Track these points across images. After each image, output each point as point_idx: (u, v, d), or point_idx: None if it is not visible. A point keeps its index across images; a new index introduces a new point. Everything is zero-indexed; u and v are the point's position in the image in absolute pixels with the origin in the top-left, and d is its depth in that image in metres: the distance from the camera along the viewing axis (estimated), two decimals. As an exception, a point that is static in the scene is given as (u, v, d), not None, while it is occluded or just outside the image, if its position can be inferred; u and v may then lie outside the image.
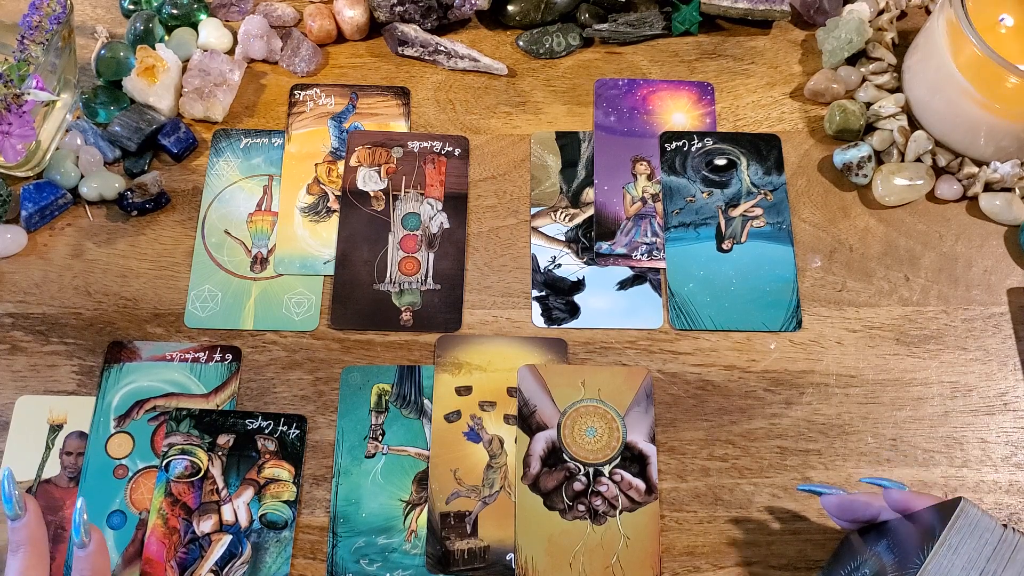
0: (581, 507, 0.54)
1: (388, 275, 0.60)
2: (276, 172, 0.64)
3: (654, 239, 0.62)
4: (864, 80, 0.67)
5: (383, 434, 0.56)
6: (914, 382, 0.58)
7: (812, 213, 0.63)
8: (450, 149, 0.64)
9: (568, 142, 0.65)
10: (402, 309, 0.59)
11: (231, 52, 0.68)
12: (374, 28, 0.69)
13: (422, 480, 0.55)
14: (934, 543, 0.39)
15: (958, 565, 0.39)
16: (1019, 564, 0.39)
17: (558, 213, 0.63)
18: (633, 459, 0.55)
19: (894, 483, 0.47)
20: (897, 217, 0.63)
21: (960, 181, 0.64)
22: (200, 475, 0.54)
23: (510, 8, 0.68)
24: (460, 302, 0.60)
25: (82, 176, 0.62)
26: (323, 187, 0.63)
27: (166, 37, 0.67)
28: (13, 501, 0.46)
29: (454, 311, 0.59)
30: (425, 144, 0.65)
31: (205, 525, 0.53)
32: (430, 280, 0.60)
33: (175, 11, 0.67)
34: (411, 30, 0.67)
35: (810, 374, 0.58)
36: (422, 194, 0.63)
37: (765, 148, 0.65)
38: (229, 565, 0.52)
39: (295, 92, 0.66)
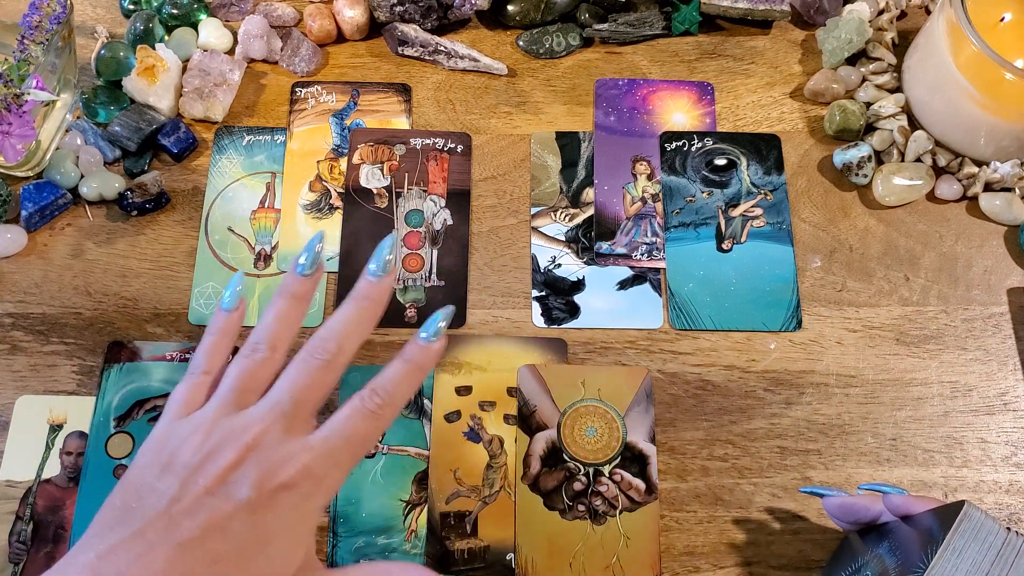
0: (581, 507, 0.54)
1: (390, 273, 0.60)
2: (279, 169, 0.64)
3: (654, 239, 0.62)
4: (864, 80, 0.67)
5: (383, 434, 0.56)
6: (914, 382, 0.58)
7: (812, 213, 0.63)
8: (452, 146, 0.65)
9: (568, 142, 0.65)
10: (406, 306, 0.59)
11: (231, 52, 0.68)
12: (374, 28, 0.69)
13: (422, 480, 0.55)
14: (936, 546, 0.39)
15: (962, 569, 0.39)
16: (1022, 568, 0.39)
17: (558, 213, 0.63)
18: (633, 459, 0.55)
19: (894, 488, 0.47)
20: (897, 217, 0.63)
21: (960, 181, 0.64)
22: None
23: (510, 8, 0.68)
24: (464, 298, 0.60)
25: (82, 176, 0.62)
26: (325, 184, 0.63)
27: (166, 37, 0.67)
28: (383, 261, 0.45)
29: (458, 307, 0.59)
30: (427, 141, 0.65)
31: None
32: (434, 276, 0.60)
33: (175, 11, 0.67)
34: (411, 30, 0.67)
35: (810, 374, 0.58)
36: (425, 191, 0.63)
37: (765, 148, 0.65)
38: (229, 565, 0.52)
39: (296, 89, 0.66)
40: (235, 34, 0.68)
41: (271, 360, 0.45)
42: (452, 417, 0.56)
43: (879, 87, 0.67)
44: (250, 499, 0.40)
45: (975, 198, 0.64)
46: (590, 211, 0.63)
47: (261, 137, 0.65)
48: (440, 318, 0.45)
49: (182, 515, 0.39)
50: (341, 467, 0.42)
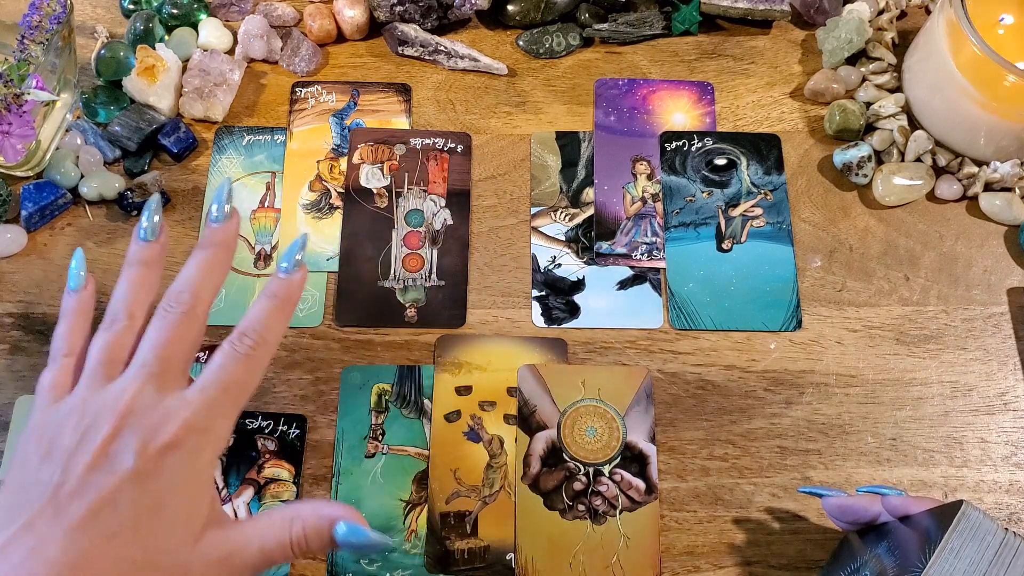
0: (581, 507, 0.54)
1: (392, 272, 0.60)
2: (278, 169, 0.64)
3: (654, 239, 0.62)
4: (864, 80, 0.67)
5: (383, 434, 0.56)
6: (914, 382, 0.58)
7: (812, 213, 0.63)
8: (452, 146, 0.65)
9: (568, 142, 0.65)
10: (407, 305, 0.59)
11: (231, 52, 0.68)
12: (374, 28, 0.69)
13: (422, 480, 0.55)
14: (933, 546, 0.39)
15: (960, 569, 0.39)
16: (1020, 568, 0.39)
17: (558, 213, 0.63)
18: (633, 459, 0.55)
19: (892, 489, 0.47)
20: (897, 217, 0.63)
21: (960, 181, 0.64)
22: (200, 475, 0.54)
23: (510, 8, 0.68)
24: (464, 298, 0.60)
25: (82, 176, 0.62)
26: (325, 184, 0.63)
27: (166, 37, 0.67)
28: (223, 204, 0.46)
29: (458, 307, 0.59)
30: (427, 141, 0.65)
31: (205, 525, 0.53)
32: (434, 276, 0.60)
33: (175, 11, 0.67)
34: (411, 30, 0.67)
35: (810, 374, 0.58)
36: (425, 191, 0.63)
37: (765, 148, 0.65)
38: (229, 565, 0.52)
39: (296, 89, 0.66)
40: (235, 34, 0.68)
41: (131, 328, 0.44)
42: (452, 417, 0.56)
43: (879, 87, 0.67)
44: (136, 467, 0.39)
45: (975, 198, 0.64)
46: (590, 211, 0.63)
47: (261, 137, 0.65)
48: (296, 248, 0.45)
49: (68, 498, 0.38)
50: (225, 416, 0.42)
